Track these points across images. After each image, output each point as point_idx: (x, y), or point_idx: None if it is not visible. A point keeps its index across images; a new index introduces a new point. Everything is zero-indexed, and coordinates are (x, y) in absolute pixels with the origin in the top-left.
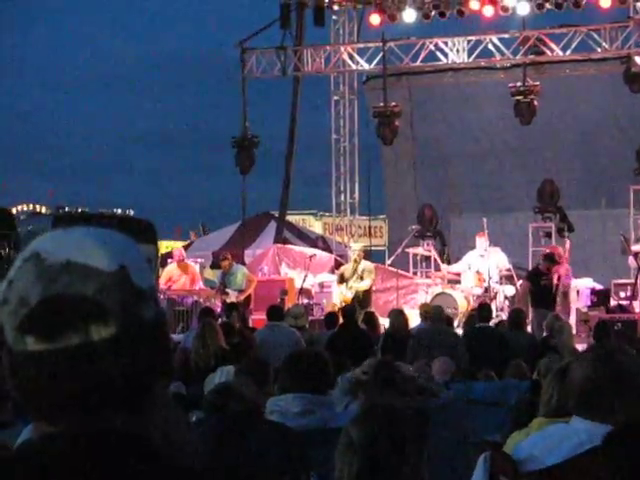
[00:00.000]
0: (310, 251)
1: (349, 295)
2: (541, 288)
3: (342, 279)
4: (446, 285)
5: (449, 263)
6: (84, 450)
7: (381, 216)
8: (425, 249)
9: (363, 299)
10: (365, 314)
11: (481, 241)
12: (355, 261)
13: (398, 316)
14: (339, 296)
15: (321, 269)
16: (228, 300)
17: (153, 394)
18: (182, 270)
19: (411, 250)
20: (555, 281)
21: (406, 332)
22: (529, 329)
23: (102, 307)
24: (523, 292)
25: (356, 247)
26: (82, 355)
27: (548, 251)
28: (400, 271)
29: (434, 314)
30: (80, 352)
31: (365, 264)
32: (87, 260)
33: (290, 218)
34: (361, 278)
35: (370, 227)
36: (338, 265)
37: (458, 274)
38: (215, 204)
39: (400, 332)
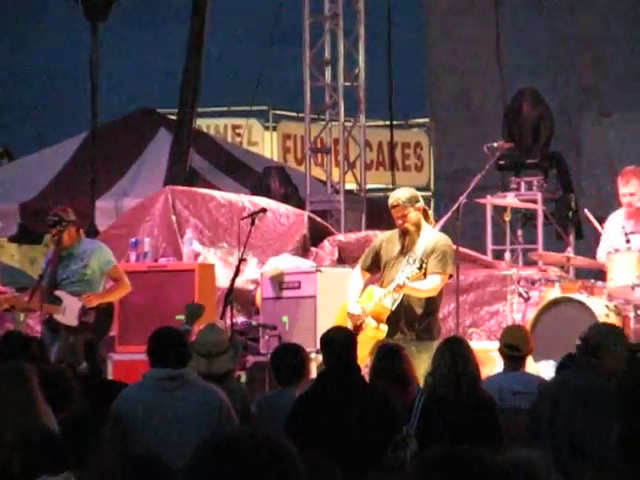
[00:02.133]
0: (250, 201)
1: (388, 304)
2: None
3: (376, 261)
4: (574, 284)
5: (579, 231)
6: None
7: (418, 121)
8: (520, 197)
9: (420, 316)
10: (380, 350)
11: (629, 187)
12: (405, 230)
13: (455, 355)
14: (365, 300)
15: (280, 243)
16: (59, 317)
17: None
18: None
19: (490, 199)
20: None
21: (476, 393)
22: None
23: None
24: None
25: (402, 195)
26: None
27: None
28: (464, 249)
29: (588, 349)
30: None
31: (433, 237)
32: None
33: (203, 123)
34: (419, 268)
35: (393, 145)
36: (319, 234)
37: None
38: (28, 90)
39: (460, 393)
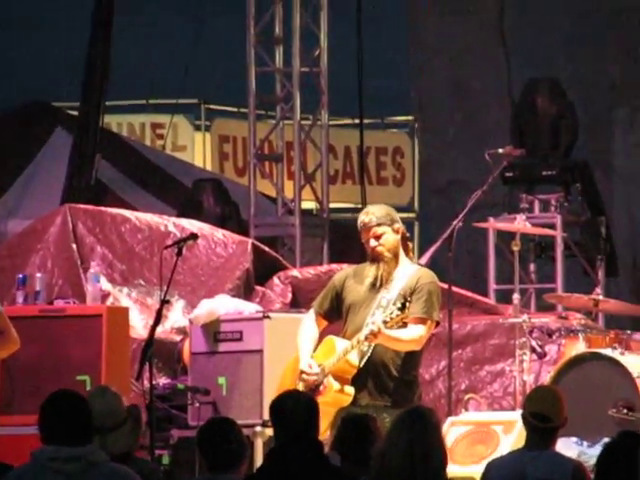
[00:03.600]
0: (175, 224)
1: (354, 359)
2: None
3: (337, 305)
4: (604, 336)
5: (612, 266)
6: None
7: (398, 119)
8: (533, 221)
9: (396, 377)
10: (345, 423)
11: None
12: (379, 256)
13: (415, 436)
14: (324, 355)
15: (215, 280)
16: None
17: None
18: None
19: (493, 223)
20: None
21: None
22: None
23: None
24: None
25: (377, 211)
26: None
27: None
28: (459, 289)
29: None
30: None
31: (414, 273)
32: None
33: (114, 121)
34: (401, 309)
35: (363, 150)
36: (267, 268)
37: None
38: None
39: None
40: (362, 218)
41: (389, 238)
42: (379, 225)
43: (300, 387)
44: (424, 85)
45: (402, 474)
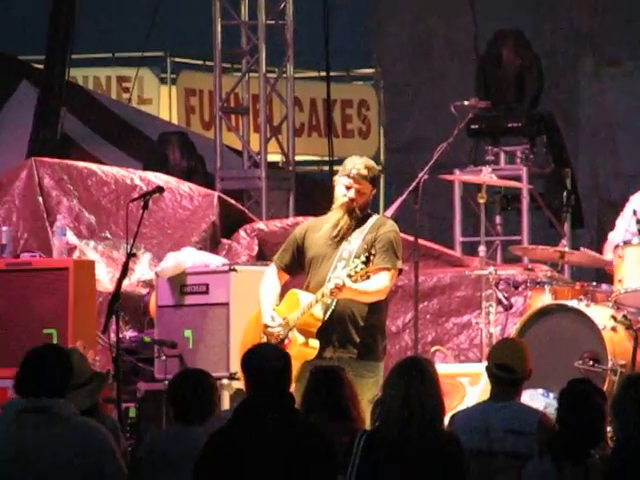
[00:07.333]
0: (141, 177)
1: (318, 312)
2: None
3: (299, 258)
4: (570, 288)
5: (578, 218)
6: None
7: (363, 71)
8: (499, 173)
9: (362, 328)
10: (315, 375)
11: None
12: (350, 208)
13: (412, 384)
14: (287, 308)
15: (181, 233)
16: None
17: None
18: None
19: (459, 175)
20: None
21: (434, 435)
22: None
23: None
24: None
25: (370, 165)
26: None
27: None
28: (425, 242)
29: None
30: None
31: (374, 223)
32: None
33: (79, 74)
34: (365, 262)
35: (330, 102)
36: (233, 221)
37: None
38: None
39: (412, 435)
40: (350, 166)
41: (366, 194)
42: (364, 179)
43: (264, 341)
44: (387, 40)
45: (400, 422)
